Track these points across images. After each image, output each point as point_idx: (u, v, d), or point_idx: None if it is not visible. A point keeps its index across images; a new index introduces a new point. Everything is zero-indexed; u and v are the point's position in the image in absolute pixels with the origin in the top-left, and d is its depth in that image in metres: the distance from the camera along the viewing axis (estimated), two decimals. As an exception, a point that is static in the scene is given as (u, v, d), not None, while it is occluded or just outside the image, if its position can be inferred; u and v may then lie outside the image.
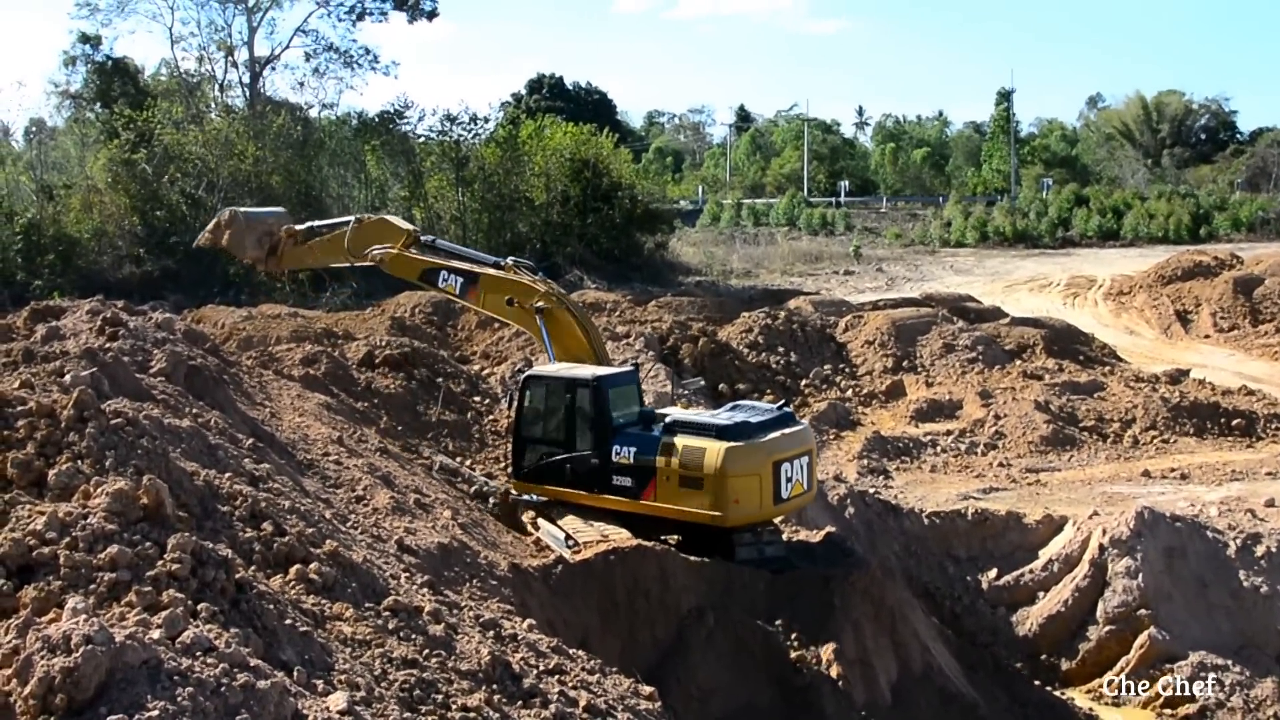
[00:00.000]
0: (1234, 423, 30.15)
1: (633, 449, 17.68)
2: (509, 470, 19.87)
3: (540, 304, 19.88)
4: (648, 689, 12.17)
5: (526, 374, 19.79)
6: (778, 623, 16.32)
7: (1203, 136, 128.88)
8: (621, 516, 17.86)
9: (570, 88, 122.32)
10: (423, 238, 22.39)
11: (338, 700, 7.58)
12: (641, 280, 57.55)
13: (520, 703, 9.66)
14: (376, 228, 22.05)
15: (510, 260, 21.01)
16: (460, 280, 20.74)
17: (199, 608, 7.77)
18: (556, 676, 10.77)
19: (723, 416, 18.31)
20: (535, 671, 10.53)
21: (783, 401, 21.98)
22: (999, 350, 37.10)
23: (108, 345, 15.04)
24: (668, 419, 18.17)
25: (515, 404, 19.63)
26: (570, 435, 18.36)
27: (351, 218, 22.73)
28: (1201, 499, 23.30)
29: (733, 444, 17.06)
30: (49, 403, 9.97)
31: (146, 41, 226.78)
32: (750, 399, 22.05)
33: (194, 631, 7.20)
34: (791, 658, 15.90)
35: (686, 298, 47.01)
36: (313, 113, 66.71)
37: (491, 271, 20.75)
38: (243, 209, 24.67)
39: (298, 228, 23.63)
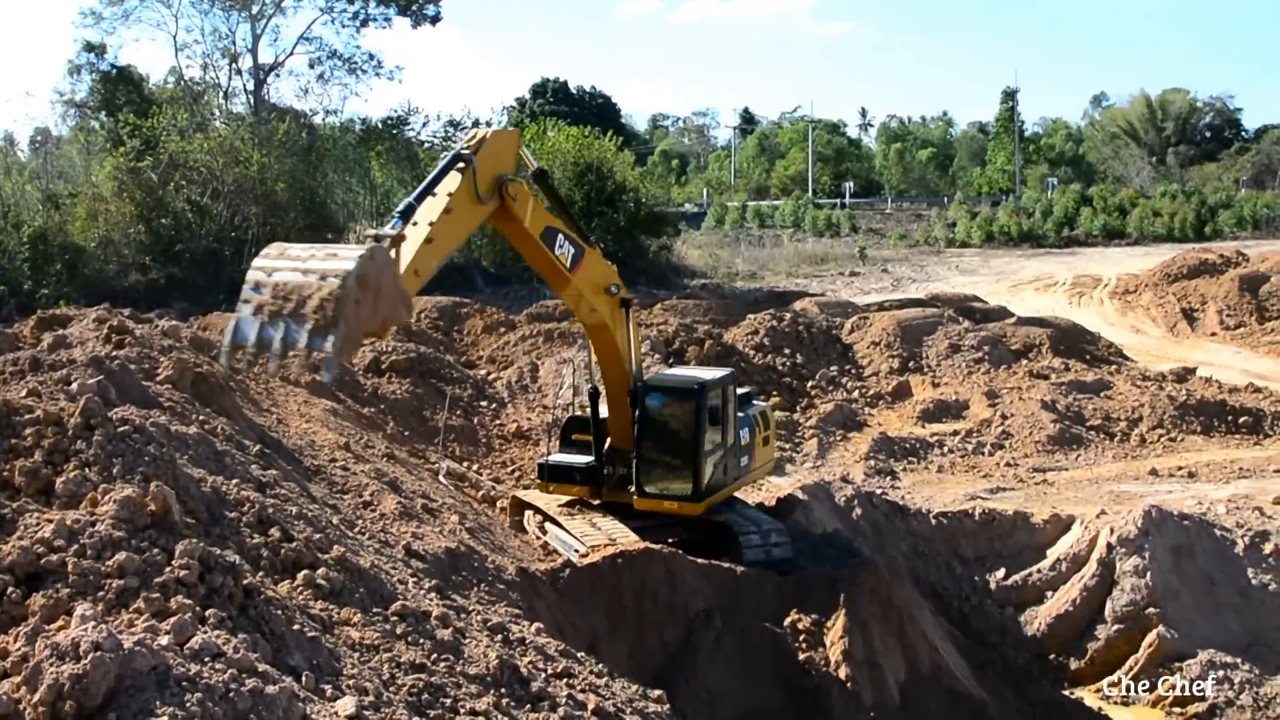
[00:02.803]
0: (1241, 420, 30.11)
1: (746, 429, 19.05)
2: (691, 498, 17.87)
3: (627, 296, 17.91)
4: (656, 692, 12.18)
5: (700, 384, 18.01)
6: (785, 624, 16.33)
7: (1207, 134, 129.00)
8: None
9: (574, 91, 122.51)
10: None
11: (346, 705, 7.59)
12: (646, 283, 57.40)
13: (529, 706, 9.68)
14: (499, 146, 15.32)
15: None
16: (573, 251, 16.71)
17: (207, 614, 7.79)
18: (565, 680, 10.77)
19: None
20: (543, 675, 10.54)
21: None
22: (1005, 350, 37.10)
23: (114, 353, 15.08)
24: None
25: (697, 422, 17.67)
26: (726, 433, 18.57)
27: (467, 147, 14.82)
28: (1209, 497, 23.26)
29: None
30: (56, 411, 9.98)
31: (151, 49, 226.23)
32: (757, 400, 22.24)
33: (202, 637, 7.22)
34: (800, 659, 15.90)
35: (692, 300, 47.02)
36: (317, 119, 66.58)
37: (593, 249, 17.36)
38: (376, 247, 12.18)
39: (389, 231, 12.96)
